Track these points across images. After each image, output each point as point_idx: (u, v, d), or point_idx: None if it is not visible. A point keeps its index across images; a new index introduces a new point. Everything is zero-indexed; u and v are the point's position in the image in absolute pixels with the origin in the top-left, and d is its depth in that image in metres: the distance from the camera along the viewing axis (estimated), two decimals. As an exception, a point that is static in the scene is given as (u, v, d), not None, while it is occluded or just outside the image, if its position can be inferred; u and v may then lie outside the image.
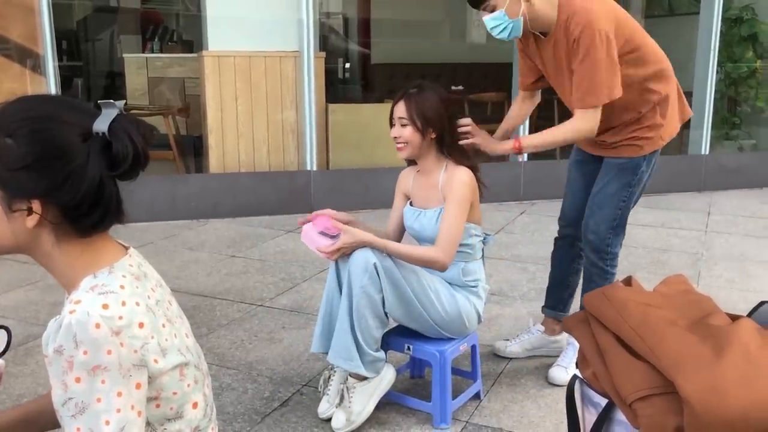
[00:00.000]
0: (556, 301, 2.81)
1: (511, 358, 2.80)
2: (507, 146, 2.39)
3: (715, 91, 6.20)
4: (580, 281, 2.75)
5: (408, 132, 2.27)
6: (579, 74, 2.29)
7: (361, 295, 2.18)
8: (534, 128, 6.40)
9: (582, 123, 2.33)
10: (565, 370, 2.59)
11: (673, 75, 2.49)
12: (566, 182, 2.77)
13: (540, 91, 2.74)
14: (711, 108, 6.14)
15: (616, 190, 2.50)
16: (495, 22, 2.33)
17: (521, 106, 2.76)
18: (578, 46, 2.26)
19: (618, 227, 2.52)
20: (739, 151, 6.86)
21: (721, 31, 6.06)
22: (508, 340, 2.84)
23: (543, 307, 2.86)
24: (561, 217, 2.78)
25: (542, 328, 2.82)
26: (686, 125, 6.48)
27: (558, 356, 2.73)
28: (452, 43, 9.14)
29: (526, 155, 5.72)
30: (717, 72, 6.20)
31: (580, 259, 2.73)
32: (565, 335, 2.82)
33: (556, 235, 2.80)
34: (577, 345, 2.54)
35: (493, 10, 2.31)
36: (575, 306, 2.83)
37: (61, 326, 1.01)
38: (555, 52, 2.39)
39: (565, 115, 2.46)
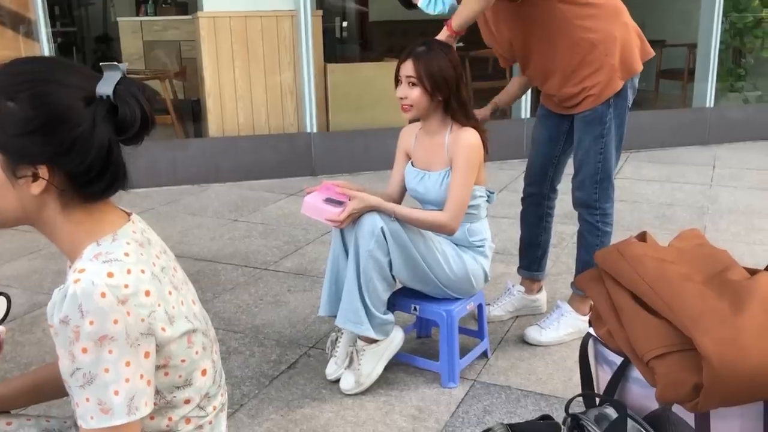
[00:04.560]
0: (530, 261, 2.80)
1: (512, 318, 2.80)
2: (443, 34, 2.30)
3: (720, 42, 6.08)
4: (551, 239, 2.79)
5: (416, 93, 2.20)
6: None
7: (369, 259, 2.15)
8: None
9: None
10: (540, 330, 2.58)
11: (621, 13, 2.40)
12: (531, 141, 2.72)
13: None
14: (716, 59, 6.04)
15: (589, 144, 2.46)
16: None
17: (517, 85, 2.73)
18: None
19: (603, 180, 2.49)
20: (745, 103, 6.77)
21: (726, -21, 5.94)
22: (489, 304, 2.79)
23: (518, 268, 2.84)
24: (526, 175, 2.74)
25: (522, 288, 2.81)
26: (691, 78, 6.43)
27: (540, 315, 2.76)
28: (451, -1, 8.93)
29: (529, 112, 5.65)
30: (722, 22, 6.07)
31: (549, 217, 2.75)
32: (543, 294, 2.84)
33: (522, 195, 2.77)
34: (566, 310, 2.56)
35: None
36: (550, 264, 2.82)
37: (66, 296, 0.99)
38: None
39: None
